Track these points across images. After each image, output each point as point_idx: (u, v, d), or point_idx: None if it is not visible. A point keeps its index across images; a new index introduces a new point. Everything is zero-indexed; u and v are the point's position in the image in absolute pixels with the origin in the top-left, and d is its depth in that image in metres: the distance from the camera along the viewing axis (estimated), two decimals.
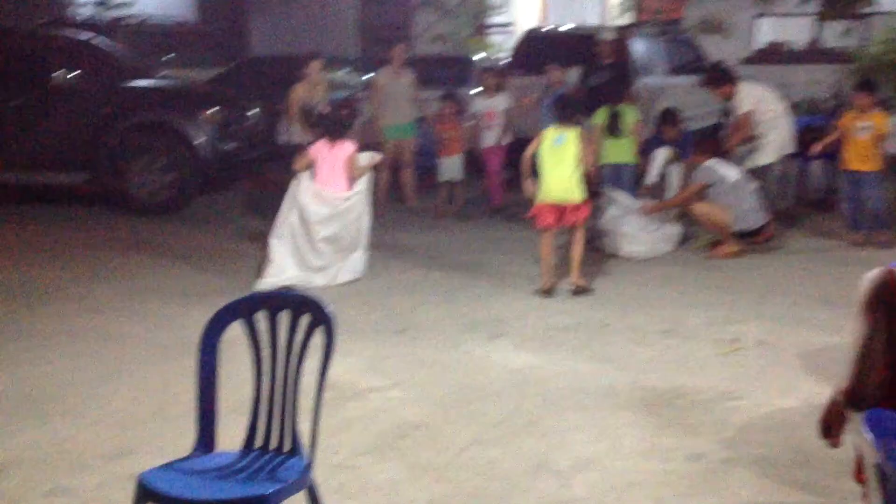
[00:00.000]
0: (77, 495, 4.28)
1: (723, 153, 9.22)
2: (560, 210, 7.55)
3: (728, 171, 8.83)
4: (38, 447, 4.76)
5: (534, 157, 7.63)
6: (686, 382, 5.62)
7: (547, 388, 5.57)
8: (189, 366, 5.77)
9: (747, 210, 8.69)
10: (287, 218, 8.07)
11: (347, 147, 8.24)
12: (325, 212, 8.03)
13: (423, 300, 7.44)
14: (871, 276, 3.00)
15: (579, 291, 7.54)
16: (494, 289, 7.76)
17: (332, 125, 8.38)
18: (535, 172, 7.63)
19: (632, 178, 9.75)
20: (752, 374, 5.76)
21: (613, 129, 9.59)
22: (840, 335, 6.42)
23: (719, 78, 9.51)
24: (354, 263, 8.09)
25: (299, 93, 10.27)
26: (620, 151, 9.66)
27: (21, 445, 4.79)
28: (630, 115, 9.71)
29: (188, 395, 5.32)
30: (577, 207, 7.54)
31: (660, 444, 4.79)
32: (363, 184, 8.27)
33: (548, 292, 7.54)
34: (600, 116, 9.69)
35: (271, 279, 7.80)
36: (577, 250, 7.65)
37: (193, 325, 6.71)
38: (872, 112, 8.88)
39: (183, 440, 4.66)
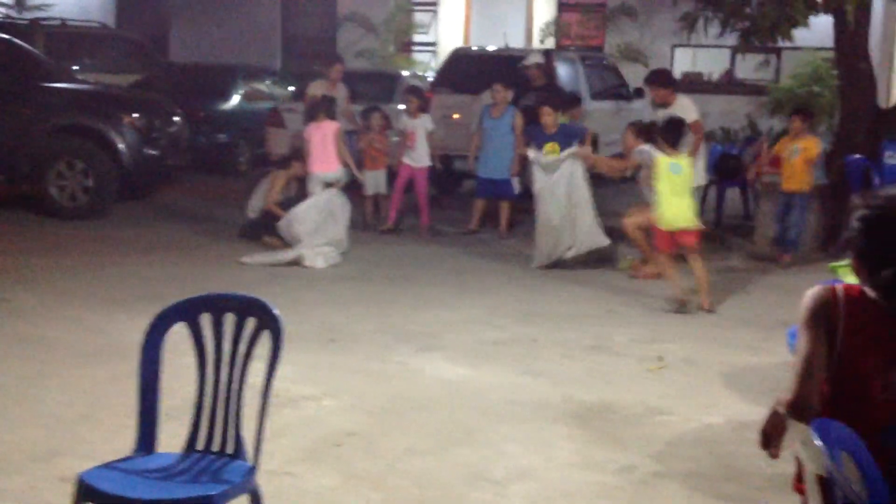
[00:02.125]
0: (5, 496, 4.16)
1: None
2: (675, 235, 7.76)
3: None
4: None
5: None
6: (615, 397, 5.71)
7: (480, 400, 5.60)
8: (117, 370, 5.74)
9: None
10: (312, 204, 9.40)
11: (332, 126, 9.68)
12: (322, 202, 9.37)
13: (354, 312, 7.42)
14: (813, 293, 3.08)
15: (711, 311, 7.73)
16: (424, 303, 7.77)
17: (317, 109, 9.85)
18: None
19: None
20: (678, 391, 5.88)
21: None
22: (760, 356, 6.62)
23: (666, 80, 9.51)
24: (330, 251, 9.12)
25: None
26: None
27: None
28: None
29: (117, 398, 5.27)
30: (691, 232, 7.75)
31: (593, 457, 4.86)
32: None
33: (684, 304, 7.71)
34: None
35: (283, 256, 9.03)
36: (702, 274, 7.81)
37: (117, 330, 6.67)
38: (805, 136, 9.36)
39: (113, 442, 4.60)
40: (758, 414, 5.08)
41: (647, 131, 9.16)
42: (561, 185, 9.15)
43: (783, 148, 9.49)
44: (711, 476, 4.68)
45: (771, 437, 3.19)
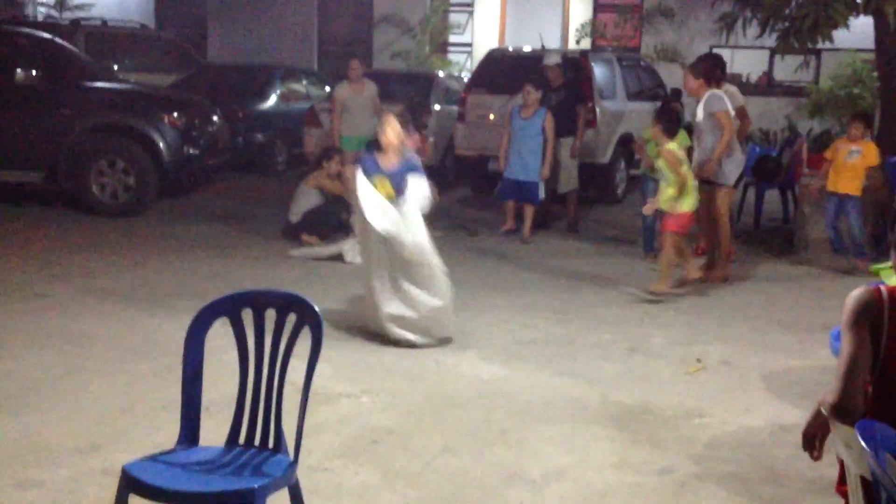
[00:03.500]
0: (48, 488, 4.21)
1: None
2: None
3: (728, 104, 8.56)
4: (6, 441, 4.69)
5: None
6: (653, 399, 5.69)
7: (516, 399, 5.60)
8: (156, 365, 5.80)
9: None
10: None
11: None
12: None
13: None
14: (857, 294, 3.07)
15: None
16: (459, 302, 7.64)
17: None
18: None
19: None
20: (716, 393, 5.84)
21: None
22: (800, 358, 6.57)
23: (713, 65, 8.71)
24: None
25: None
26: None
27: None
28: None
29: (156, 393, 5.33)
30: None
31: (630, 458, 4.84)
32: None
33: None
34: None
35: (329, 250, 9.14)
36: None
37: (156, 325, 6.73)
38: (864, 141, 9.19)
39: (153, 436, 4.67)
40: (797, 417, 5.08)
41: (705, 71, 8.63)
42: (390, 241, 6.49)
43: (838, 149, 9.25)
44: (750, 479, 4.65)
45: (813, 440, 3.18)
